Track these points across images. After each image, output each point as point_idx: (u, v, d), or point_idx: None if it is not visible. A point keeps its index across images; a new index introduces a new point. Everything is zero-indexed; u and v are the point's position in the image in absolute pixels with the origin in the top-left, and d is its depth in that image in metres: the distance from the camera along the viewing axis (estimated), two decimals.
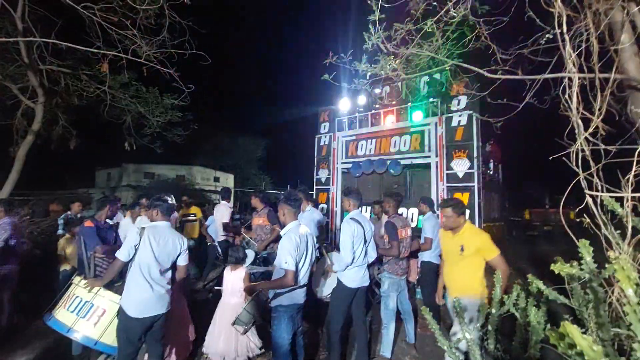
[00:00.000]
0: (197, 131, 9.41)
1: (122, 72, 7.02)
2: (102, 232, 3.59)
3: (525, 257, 8.23)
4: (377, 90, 8.06)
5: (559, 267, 1.38)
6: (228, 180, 31.49)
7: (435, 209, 4.91)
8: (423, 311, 1.79)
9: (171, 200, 2.93)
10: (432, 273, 4.16)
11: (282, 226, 2.96)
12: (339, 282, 3.26)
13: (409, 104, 7.35)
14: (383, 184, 7.60)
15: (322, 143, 8.98)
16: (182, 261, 2.87)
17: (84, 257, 3.36)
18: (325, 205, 8.51)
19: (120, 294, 2.72)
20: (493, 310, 1.94)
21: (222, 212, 5.88)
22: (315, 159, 9.07)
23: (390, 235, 3.68)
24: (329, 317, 3.28)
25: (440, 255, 3.61)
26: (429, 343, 3.90)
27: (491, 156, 8.63)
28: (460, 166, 6.28)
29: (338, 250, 3.66)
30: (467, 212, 6.07)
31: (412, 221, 6.81)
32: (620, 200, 1.67)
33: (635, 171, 1.70)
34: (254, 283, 3.16)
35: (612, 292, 1.59)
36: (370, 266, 3.46)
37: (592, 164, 1.81)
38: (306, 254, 2.83)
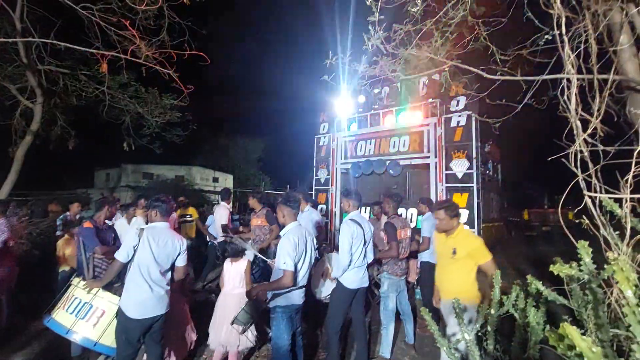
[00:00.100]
0: (196, 131, 9.41)
1: (121, 73, 7.01)
2: (101, 233, 3.58)
3: (524, 257, 8.24)
4: (376, 91, 8.08)
5: (558, 268, 1.39)
6: (227, 180, 31.45)
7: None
8: (422, 312, 1.79)
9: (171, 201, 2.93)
10: (431, 273, 4.14)
11: (282, 227, 2.96)
12: (338, 283, 3.26)
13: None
14: (382, 185, 7.60)
15: (321, 143, 8.99)
16: (181, 262, 2.86)
17: (83, 258, 3.35)
18: (324, 206, 8.51)
19: (119, 295, 2.72)
20: (492, 311, 1.94)
21: (221, 213, 5.88)
22: (315, 159, 9.07)
23: (389, 236, 3.68)
24: (328, 318, 3.28)
25: None
26: (428, 343, 3.91)
27: (490, 156, 8.64)
28: (460, 167, 6.29)
29: (337, 251, 3.66)
30: (467, 212, 6.13)
31: (411, 222, 6.82)
32: (619, 201, 1.68)
33: (633, 172, 1.70)
34: (253, 286, 3.16)
35: (611, 293, 1.59)
36: (369, 267, 3.46)
37: (590, 165, 1.82)
38: (305, 255, 2.83)
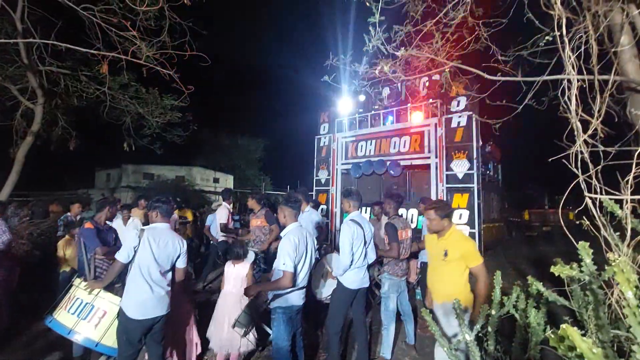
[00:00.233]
0: (197, 132, 9.40)
1: (121, 73, 7.01)
2: (102, 234, 3.59)
3: (524, 257, 8.24)
4: (377, 91, 8.08)
5: (559, 269, 1.39)
6: (227, 181, 31.46)
7: None
8: (423, 312, 1.79)
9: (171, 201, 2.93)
10: None
11: (282, 227, 2.96)
12: (338, 283, 3.26)
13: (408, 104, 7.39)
14: (383, 185, 7.61)
15: (321, 144, 8.99)
16: (182, 263, 2.87)
17: (84, 258, 3.36)
18: (324, 206, 8.51)
19: (120, 295, 2.72)
20: (493, 312, 1.94)
21: (222, 213, 5.89)
22: (315, 159, 9.07)
23: (390, 236, 3.68)
24: (329, 318, 3.28)
25: None
26: (429, 344, 3.90)
27: (491, 157, 8.65)
28: (460, 167, 6.29)
29: (337, 251, 3.67)
30: (467, 213, 6.13)
31: (412, 222, 6.82)
32: (619, 202, 1.68)
33: (634, 173, 1.71)
34: (252, 285, 3.16)
35: (612, 294, 1.60)
36: (370, 267, 3.46)
37: (591, 166, 1.82)
38: (305, 256, 2.83)
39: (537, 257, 7.93)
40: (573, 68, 1.92)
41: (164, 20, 5.00)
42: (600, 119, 1.90)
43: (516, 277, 5.77)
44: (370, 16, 2.59)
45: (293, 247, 2.68)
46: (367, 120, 8.25)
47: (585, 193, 1.78)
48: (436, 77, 6.92)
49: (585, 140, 1.86)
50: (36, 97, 6.57)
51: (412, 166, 7.14)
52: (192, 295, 3.49)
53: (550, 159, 2.07)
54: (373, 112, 8.14)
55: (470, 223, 6.11)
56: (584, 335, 1.04)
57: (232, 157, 33.90)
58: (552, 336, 1.10)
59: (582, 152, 1.85)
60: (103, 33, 5.29)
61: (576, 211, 1.87)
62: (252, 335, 3.28)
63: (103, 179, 28.13)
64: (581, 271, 1.38)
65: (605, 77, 1.97)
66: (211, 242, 6.59)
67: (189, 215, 7.34)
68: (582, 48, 1.99)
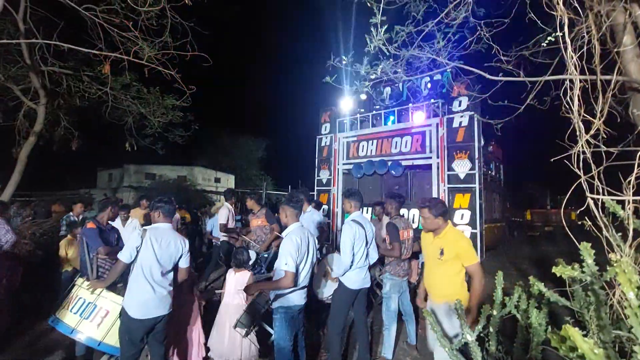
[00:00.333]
0: (198, 132, 9.42)
1: (123, 74, 7.03)
2: (104, 234, 3.60)
3: (526, 257, 8.22)
4: (378, 91, 8.08)
5: (561, 270, 1.39)
6: (229, 181, 31.49)
7: None
8: (424, 312, 1.79)
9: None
10: None
11: (284, 227, 2.96)
12: (340, 283, 3.27)
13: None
14: (384, 185, 7.61)
15: (323, 144, 8.99)
16: (184, 263, 2.87)
17: (86, 258, 3.37)
18: (326, 206, 8.52)
19: (122, 295, 2.73)
20: (494, 312, 1.94)
21: (222, 213, 5.91)
22: (316, 159, 9.07)
23: (392, 236, 3.68)
24: (330, 318, 3.28)
25: None
26: None
27: (492, 157, 8.64)
28: (462, 167, 6.29)
29: (339, 251, 3.67)
30: (469, 213, 6.13)
31: (413, 222, 6.82)
32: (621, 202, 1.68)
33: (636, 174, 1.70)
34: (253, 284, 3.17)
35: (614, 295, 1.59)
36: (371, 267, 3.46)
37: (593, 166, 1.81)
38: (307, 256, 2.84)
39: (539, 257, 7.91)
40: (575, 68, 1.92)
41: (165, 20, 5.01)
42: (602, 120, 1.90)
43: (518, 278, 5.75)
44: (371, 17, 2.59)
45: (295, 247, 2.68)
46: (369, 120, 8.25)
47: (587, 193, 1.78)
48: (437, 77, 6.92)
49: (587, 141, 1.86)
50: (39, 97, 6.59)
51: (414, 166, 7.14)
52: (200, 296, 3.48)
53: (552, 159, 2.07)
54: (374, 112, 8.15)
55: (472, 223, 6.10)
56: (585, 335, 1.04)
57: (233, 157, 33.93)
58: (554, 337, 1.10)
59: (584, 153, 1.84)
60: (105, 33, 5.32)
61: (578, 211, 1.86)
62: (253, 346, 3.29)
63: (105, 179, 28.20)
64: (583, 272, 1.38)
65: (607, 77, 1.96)
66: (213, 242, 6.62)
67: (187, 217, 7.36)
68: (585, 48, 1.98)
